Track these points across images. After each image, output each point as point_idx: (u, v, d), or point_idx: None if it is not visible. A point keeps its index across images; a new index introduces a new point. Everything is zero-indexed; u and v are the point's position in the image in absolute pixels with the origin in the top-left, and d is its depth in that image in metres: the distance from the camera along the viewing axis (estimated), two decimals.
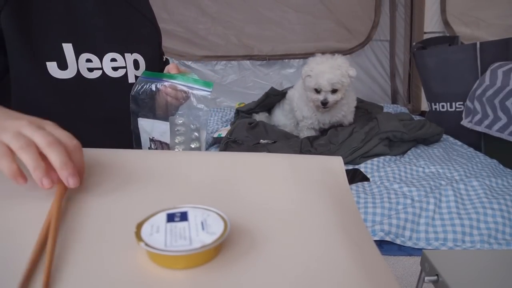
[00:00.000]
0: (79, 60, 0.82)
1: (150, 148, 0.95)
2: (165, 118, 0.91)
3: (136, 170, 0.58)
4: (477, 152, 1.91)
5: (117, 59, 0.87)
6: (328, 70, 1.86)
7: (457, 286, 0.67)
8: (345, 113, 2.08)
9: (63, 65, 0.80)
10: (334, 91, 1.90)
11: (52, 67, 0.79)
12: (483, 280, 0.72)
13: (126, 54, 0.88)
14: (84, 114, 0.85)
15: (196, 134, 0.92)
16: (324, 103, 1.89)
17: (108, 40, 0.86)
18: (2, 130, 0.47)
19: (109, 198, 0.50)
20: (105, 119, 0.88)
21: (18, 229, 0.44)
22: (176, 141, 0.92)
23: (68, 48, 0.81)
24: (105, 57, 0.86)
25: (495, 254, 0.82)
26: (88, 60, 0.84)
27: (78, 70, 0.82)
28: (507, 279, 0.71)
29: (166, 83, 0.86)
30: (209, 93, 0.89)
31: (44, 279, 0.35)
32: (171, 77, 0.86)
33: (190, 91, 0.89)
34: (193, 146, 0.91)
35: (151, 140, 0.97)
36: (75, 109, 0.85)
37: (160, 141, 0.94)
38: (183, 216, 0.41)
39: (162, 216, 0.41)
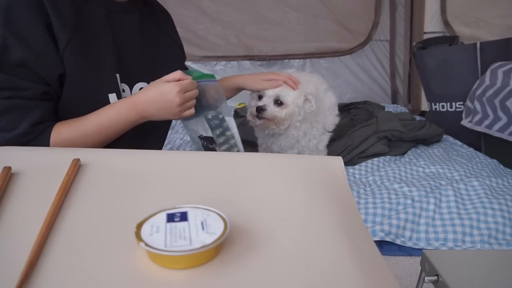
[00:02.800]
0: (119, 90, 0.87)
1: (203, 144, 1.01)
2: (213, 106, 0.97)
3: (136, 170, 0.58)
4: (477, 152, 1.91)
5: (143, 88, 0.91)
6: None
7: (457, 286, 0.67)
8: (305, 146, 1.55)
9: (119, 96, 0.87)
10: (280, 104, 1.38)
11: (113, 99, 0.86)
12: (483, 280, 0.72)
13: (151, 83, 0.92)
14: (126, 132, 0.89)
15: (227, 123, 0.97)
16: (259, 109, 1.38)
17: (139, 69, 0.92)
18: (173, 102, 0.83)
19: (109, 198, 0.50)
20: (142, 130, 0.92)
21: (18, 229, 0.44)
22: (216, 132, 0.97)
23: (118, 79, 0.87)
24: (135, 86, 0.93)
25: (495, 254, 0.82)
26: (123, 91, 0.89)
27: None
28: (507, 279, 0.71)
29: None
30: (217, 83, 0.93)
31: (24, 270, 0.35)
32: (187, 72, 0.90)
33: (204, 83, 0.93)
34: (228, 133, 0.96)
35: (200, 138, 1.02)
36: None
37: (205, 137, 1.00)
38: (183, 216, 0.41)
39: (162, 216, 0.41)
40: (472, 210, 1.36)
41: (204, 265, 0.37)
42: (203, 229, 0.39)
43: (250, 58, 2.90)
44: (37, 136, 0.78)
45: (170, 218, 0.41)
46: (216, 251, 0.39)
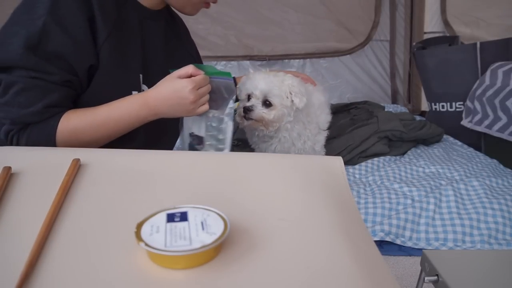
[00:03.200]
0: (140, 90, 0.91)
1: (190, 142, 1.01)
2: (219, 105, 0.96)
3: (136, 170, 0.58)
4: (477, 152, 1.91)
5: (156, 84, 0.94)
6: (266, 78, 1.34)
7: (457, 286, 0.67)
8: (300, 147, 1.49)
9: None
10: (268, 105, 1.33)
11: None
12: (483, 280, 0.72)
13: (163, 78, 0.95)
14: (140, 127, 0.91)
15: (224, 127, 0.95)
16: (245, 109, 1.32)
17: (160, 74, 0.94)
18: (187, 99, 0.83)
19: (109, 198, 0.50)
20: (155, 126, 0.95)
21: (18, 229, 0.44)
22: (209, 133, 0.96)
23: (141, 79, 0.92)
24: None
25: (496, 254, 0.82)
26: (142, 91, 0.93)
27: None
28: (508, 279, 0.71)
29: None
30: (232, 81, 0.93)
31: (24, 270, 0.35)
32: (199, 66, 0.90)
33: (217, 80, 0.93)
34: (221, 137, 0.96)
35: (191, 135, 1.01)
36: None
37: (197, 135, 0.99)
38: (183, 216, 0.41)
39: (162, 216, 0.41)
40: (472, 210, 1.36)
41: (204, 265, 0.37)
42: (203, 229, 0.39)
43: (250, 58, 2.90)
44: (47, 117, 0.80)
45: (170, 218, 0.41)
46: (216, 251, 0.39)
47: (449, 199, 1.41)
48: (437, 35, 2.56)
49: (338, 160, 0.61)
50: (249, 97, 1.37)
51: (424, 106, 2.69)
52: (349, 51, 2.88)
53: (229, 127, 0.96)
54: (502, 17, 2.46)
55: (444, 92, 2.17)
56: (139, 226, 0.39)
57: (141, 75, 0.91)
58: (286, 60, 2.93)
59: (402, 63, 2.88)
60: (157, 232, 0.38)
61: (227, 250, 0.39)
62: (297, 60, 2.92)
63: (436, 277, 0.71)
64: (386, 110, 2.38)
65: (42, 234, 0.41)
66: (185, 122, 1.04)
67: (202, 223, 0.40)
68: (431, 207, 1.38)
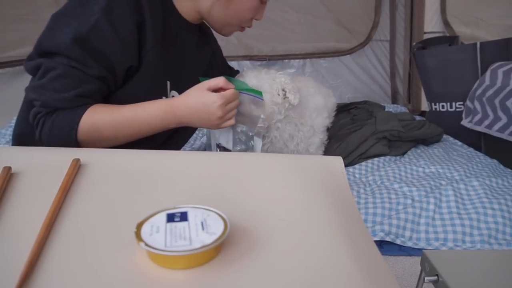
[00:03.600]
0: (168, 96, 0.96)
1: (217, 152, 1.03)
2: (247, 121, 0.99)
3: (136, 170, 0.58)
4: (477, 152, 1.90)
5: (185, 92, 0.96)
6: (257, 75, 1.23)
7: (457, 286, 0.67)
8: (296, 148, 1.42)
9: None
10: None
11: None
12: (483, 280, 0.72)
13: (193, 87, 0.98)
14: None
15: (252, 142, 0.94)
16: None
17: (190, 82, 0.96)
18: (214, 115, 0.85)
19: (109, 198, 0.50)
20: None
21: (18, 229, 0.44)
22: (237, 148, 0.95)
23: (168, 86, 0.96)
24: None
25: (496, 254, 0.82)
26: (172, 96, 0.98)
27: None
28: (507, 279, 0.71)
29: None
30: (263, 101, 0.93)
31: (23, 271, 0.35)
32: (229, 79, 0.92)
33: (247, 96, 0.93)
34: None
35: (217, 145, 1.01)
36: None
37: (224, 147, 0.98)
38: (183, 216, 0.41)
39: (162, 216, 0.41)
40: (472, 210, 1.36)
41: (204, 265, 0.37)
42: (203, 229, 0.39)
43: (250, 58, 2.90)
44: (76, 106, 0.82)
45: (170, 218, 0.41)
46: (216, 251, 0.39)
47: (449, 199, 1.41)
48: (437, 35, 2.56)
49: (338, 160, 0.61)
50: None
51: (424, 106, 2.68)
52: (349, 51, 2.88)
53: (258, 145, 0.95)
54: (502, 17, 2.46)
55: (444, 92, 2.17)
56: (139, 226, 0.39)
57: (168, 82, 0.95)
58: (286, 60, 2.93)
59: (402, 63, 2.88)
60: (157, 232, 0.38)
61: (227, 250, 0.39)
62: (297, 60, 2.92)
63: (436, 277, 0.71)
64: (386, 110, 2.38)
65: (42, 234, 0.41)
66: (212, 132, 1.04)
67: (202, 223, 0.40)
68: (431, 207, 1.38)
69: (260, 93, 0.92)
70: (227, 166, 0.61)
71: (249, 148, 0.96)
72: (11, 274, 0.35)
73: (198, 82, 0.95)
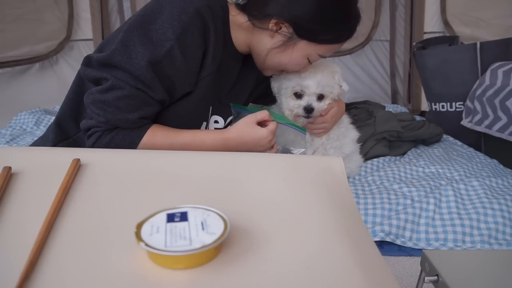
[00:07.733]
0: (209, 120, 1.01)
1: None
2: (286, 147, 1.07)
3: (136, 170, 0.58)
4: (477, 152, 1.90)
5: (237, 126, 0.97)
6: (318, 73, 1.24)
7: (457, 286, 0.67)
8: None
9: (207, 125, 1.01)
10: (320, 97, 1.26)
11: (203, 126, 1.00)
12: (483, 280, 0.72)
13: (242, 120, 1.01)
14: None
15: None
16: (309, 110, 1.24)
17: (225, 106, 1.02)
18: (264, 147, 0.93)
19: (109, 198, 0.50)
20: None
21: (18, 229, 0.44)
22: None
23: (210, 111, 1.00)
24: (227, 120, 1.06)
25: (495, 254, 0.82)
26: (216, 122, 1.03)
27: (206, 127, 1.02)
28: (507, 279, 0.71)
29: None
30: (306, 135, 1.05)
31: (24, 270, 0.35)
32: (272, 114, 0.98)
33: (293, 130, 1.04)
34: None
35: None
36: None
37: None
38: (183, 216, 0.41)
39: (162, 216, 0.41)
40: (472, 210, 1.36)
41: (204, 265, 0.37)
42: (203, 229, 0.39)
43: None
44: (137, 127, 0.86)
45: (170, 218, 0.41)
46: (216, 251, 0.39)
47: (449, 199, 1.41)
48: (437, 35, 2.56)
49: (338, 160, 0.61)
50: (297, 95, 1.26)
51: (424, 106, 2.68)
52: (349, 51, 2.87)
53: None
54: (502, 17, 2.46)
55: (444, 92, 2.17)
56: (139, 226, 0.39)
57: (211, 107, 0.99)
58: None
59: (402, 63, 2.88)
60: (157, 232, 0.38)
61: (227, 250, 0.39)
62: None
63: (436, 277, 0.71)
64: (386, 110, 2.38)
65: (42, 234, 0.41)
66: None
67: (202, 223, 0.40)
68: (431, 207, 1.38)
69: (304, 129, 1.02)
70: (227, 166, 0.61)
71: None
72: (11, 274, 0.35)
73: (230, 103, 1.04)
